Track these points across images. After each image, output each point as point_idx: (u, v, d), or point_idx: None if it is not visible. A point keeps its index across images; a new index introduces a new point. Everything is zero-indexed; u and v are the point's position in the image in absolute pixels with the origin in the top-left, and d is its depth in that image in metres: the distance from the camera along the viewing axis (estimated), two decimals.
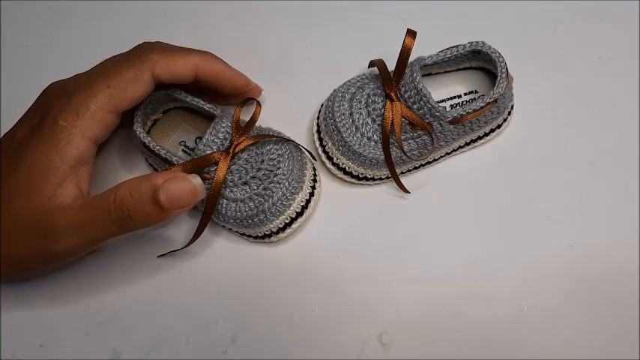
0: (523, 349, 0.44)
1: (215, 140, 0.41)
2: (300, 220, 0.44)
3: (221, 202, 0.43)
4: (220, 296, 0.45)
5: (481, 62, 0.47)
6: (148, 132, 0.46)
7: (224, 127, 0.42)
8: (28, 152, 0.37)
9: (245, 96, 0.46)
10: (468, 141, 0.47)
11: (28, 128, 0.39)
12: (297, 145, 0.45)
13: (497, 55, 0.44)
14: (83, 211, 0.37)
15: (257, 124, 0.44)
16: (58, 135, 0.37)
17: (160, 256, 0.45)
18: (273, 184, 0.42)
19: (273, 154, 0.43)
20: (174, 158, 0.41)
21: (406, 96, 0.43)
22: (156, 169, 0.46)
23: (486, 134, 0.48)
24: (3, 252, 0.38)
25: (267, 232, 0.44)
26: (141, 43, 0.42)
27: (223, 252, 0.46)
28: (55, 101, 0.38)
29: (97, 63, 0.42)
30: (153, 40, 0.43)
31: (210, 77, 0.43)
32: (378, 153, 0.44)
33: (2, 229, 0.37)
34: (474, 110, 0.43)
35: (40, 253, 0.38)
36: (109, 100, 0.38)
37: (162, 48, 0.41)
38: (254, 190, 0.42)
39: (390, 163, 0.44)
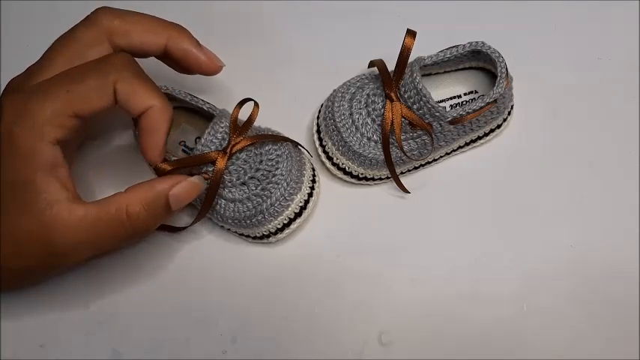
0: (523, 349, 0.44)
1: (213, 140, 0.41)
2: (298, 220, 0.44)
3: (219, 202, 0.43)
4: (220, 296, 0.45)
5: (481, 62, 0.47)
6: None
7: (222, 127, 0.42)
8: None
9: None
10: (467, 141, 0.47)
11: None
12: (296, 146, 0.45)
13: (497, 55, 0.44)
14: (92, 228, 0.36)
15: (256, 124, 0.44)
16: (18, 144, 0.35)
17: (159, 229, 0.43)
18: (271, 185, 0.42)
19: (271, 154, 0.43)
20: (173, 158, 0.41)
21: (406, 96, 0.43)
22: None
23: (486, 134, 0.48)
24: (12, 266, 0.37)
25: (265, 233, 0.44)
26: (116, 53, 0.38)
27: (223, 252, 0.46)
28: (10, 104, 0.35)
29: None
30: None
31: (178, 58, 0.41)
32: (378, 153, 0.44)
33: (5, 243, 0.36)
34: (474, 110, 0.43)
35: (48, 265, 0.37)
36: (68, 106, 0.35)
37: (136, 72, 0.37)
38: (252, 190, 0.42)
39: (390, 163, 0.44)
